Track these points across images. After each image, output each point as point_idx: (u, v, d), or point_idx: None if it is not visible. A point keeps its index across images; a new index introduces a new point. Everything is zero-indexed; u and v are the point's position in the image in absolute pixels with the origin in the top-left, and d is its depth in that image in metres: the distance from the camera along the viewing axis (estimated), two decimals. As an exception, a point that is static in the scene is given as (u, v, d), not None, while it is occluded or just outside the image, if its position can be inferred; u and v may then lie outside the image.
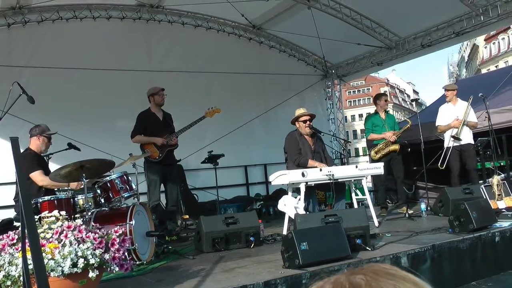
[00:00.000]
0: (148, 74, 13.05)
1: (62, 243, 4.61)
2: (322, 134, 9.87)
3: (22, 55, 11.98)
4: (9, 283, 4.51)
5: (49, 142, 8.30)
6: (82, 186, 7.43)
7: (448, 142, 11.11)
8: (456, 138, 10.89)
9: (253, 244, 7.98)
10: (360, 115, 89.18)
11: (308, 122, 9.40)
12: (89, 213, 6.95)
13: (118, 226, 6.05)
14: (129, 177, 7.94)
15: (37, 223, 4.66)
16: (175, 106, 11.15)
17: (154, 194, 9.54)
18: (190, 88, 14.12)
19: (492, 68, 59.56)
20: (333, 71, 17.48)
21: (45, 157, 8.62)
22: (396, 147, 11.24)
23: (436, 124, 11.54)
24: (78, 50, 12.63)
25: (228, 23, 15.29)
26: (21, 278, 4.36)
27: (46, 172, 8.03)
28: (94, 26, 13.04)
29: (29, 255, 3.61)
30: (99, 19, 13.08)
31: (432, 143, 12.36)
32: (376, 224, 9.28)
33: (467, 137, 11.05)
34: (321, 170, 8.52)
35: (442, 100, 15.03)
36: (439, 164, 11.13)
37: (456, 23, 13.09)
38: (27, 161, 7.64)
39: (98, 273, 4.66)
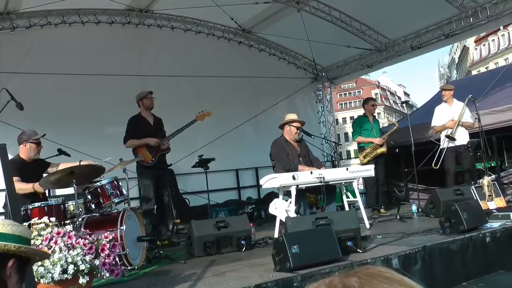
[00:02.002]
0: (138, 79, 13.02)
1: (52, 249, 4.60)
2: (312, 137, 9.86)
3: (11, 61, 11.92)
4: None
5: (38, 146, 8.24)
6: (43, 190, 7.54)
7: (443, 143, 11.14)
8: (450, 138, 10.87)
9: (244, 248, 7.97)
10: (351, 118, 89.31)
11: (299, 130, 9.43)
12: (80, 219, 6.94)
13: (109, 232, 6.03)
14: (120, 182, 7.93)
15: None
16: (166, 110, 11.12)
17: (147, 198, 9.53)
18: (180, 92, 14.12)
19: (483, 69, 59.63)
20: (323, 73, 17.49)
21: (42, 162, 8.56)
22: (383, 149, 11.39)
23: (432, 125, 11.58)
24: (68, 55, 12.60)
25: (217, 27, 15.31)
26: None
27: (38, 178, 8.01)
28: (83, 31, 13.01)
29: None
30: (88, 24, 13.06)
31: (423, 144, 12.38)
32: (367, 226, 9.30)
33: (463, 138, 11.02)
34: (311, 173, 8.52)
35: (433, 102, 15.09)
36: (433, 164, 11.13)
37: (446, 25, 13.13)
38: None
39: (88, 279, 4.66)
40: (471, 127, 11.14)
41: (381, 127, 12.24)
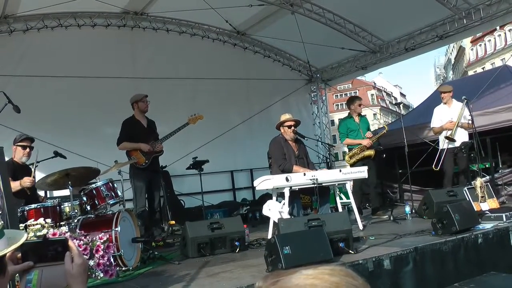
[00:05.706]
0: (133, 81, 13.09)
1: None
2: (306, 139, 9.86)
3: (8, 64, 11.95)
4: None
5: (24, 150, 8.27)
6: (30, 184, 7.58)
7: (443, 144, 11.15)
8: (450, 139, 10.89)
9: (238, 249, 8.03)
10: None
11: (292, 128, 9.48)
12: (75, 220, 7.01)
13: (103, 233, 6.09)
14: (115, 184, 7.98)
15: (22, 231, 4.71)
16: (160, 112, 11.20)
17: (140, 200, 9.57)
18: (175, 94, 14.21)
19: (479, 70, 59.39)
20: (318, 75, 17.60)
21: (30, 166, 8.65)
22: (371, 152, 11.19)
23: (431, 126, 11.57)
24: (64, 58, 12.63)
25: (212, 29, 15.36)
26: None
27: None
28: (79, 34, 13.06)
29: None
30: (84, 27, 13.11)
31: (417, 146, 12.40)
32: (361, 227, 9.35)
33: (463, 139, 11.01)
34: (305, 174, 8.58)
35: (428, 102, 15.14)
36: (433, 166, 11.14)
37: (439, 26, 13.19)
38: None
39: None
40: (469, 127, 11.16)
41: (372, 130, 12.00)
